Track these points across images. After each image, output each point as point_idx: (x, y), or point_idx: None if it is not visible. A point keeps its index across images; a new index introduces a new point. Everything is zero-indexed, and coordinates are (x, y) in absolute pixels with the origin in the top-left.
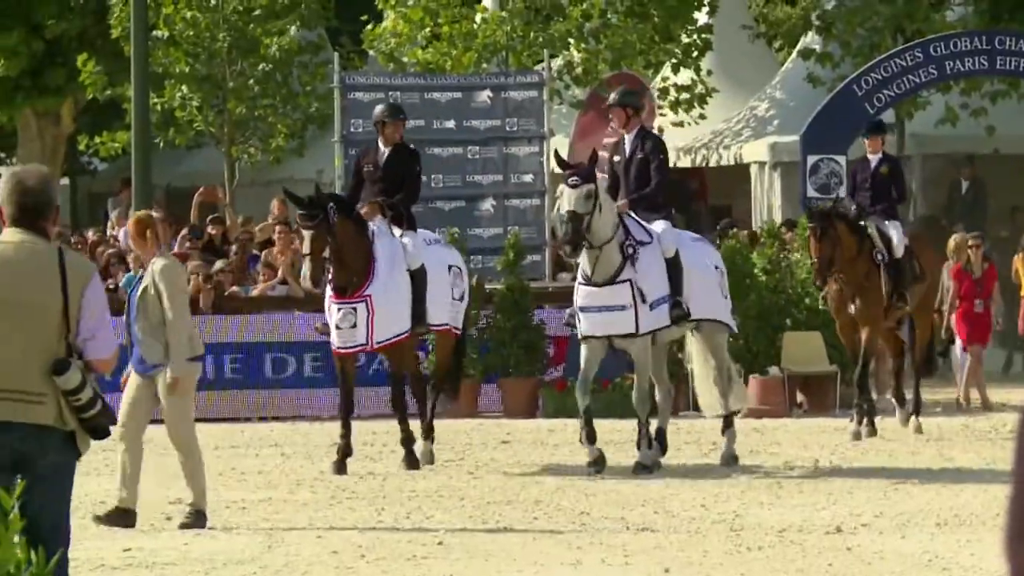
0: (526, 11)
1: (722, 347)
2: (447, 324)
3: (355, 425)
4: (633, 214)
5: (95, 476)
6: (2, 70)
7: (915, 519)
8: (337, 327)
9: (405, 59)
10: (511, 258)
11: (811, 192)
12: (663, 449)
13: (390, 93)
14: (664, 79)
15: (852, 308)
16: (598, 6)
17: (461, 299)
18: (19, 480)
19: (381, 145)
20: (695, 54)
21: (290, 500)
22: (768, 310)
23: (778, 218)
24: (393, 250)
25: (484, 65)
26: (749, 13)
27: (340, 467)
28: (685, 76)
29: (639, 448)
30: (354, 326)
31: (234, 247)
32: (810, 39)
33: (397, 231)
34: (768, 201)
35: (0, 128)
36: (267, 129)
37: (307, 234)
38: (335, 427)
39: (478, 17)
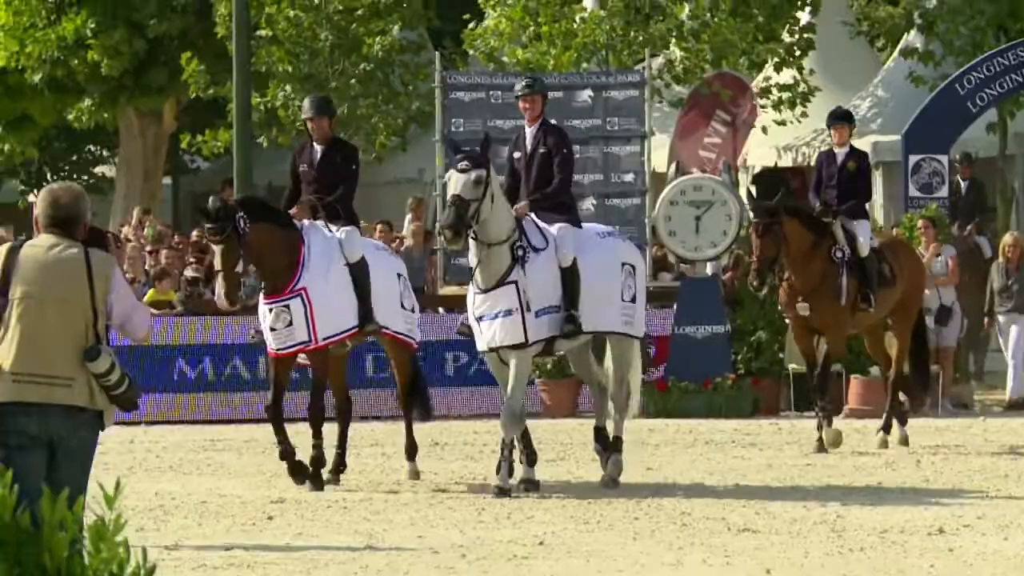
0: (626, 10)
1: (625, 358)
2: (400, 333)
3: (448, 424)
4: (534, 216)
5: (196, 475)
6: (105, 69)
7: (1017, 520)
8: (272, 329)
9: (505, 58)
10: None
11: (913, 191)
12: (607, 449)
13: (491, 92)
14: (766, 78)
15: (805, 310)
16: (702, 5)
17: (413, 310)
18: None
19: (314, 143)
20: (797, 53)
21: (391, 500)
22: None
23: (880, 218)
24: (326, 244)
25: (584, 64)
26: (851, 12)
27: (316, 481)
28: (787, 75)
29: (498, 471)
30: (290, 324)
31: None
32: (912, 38)
33: (334, 229)
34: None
35: (102, 127)
36: (369, 128)
37: (216, 249)
38: (438, 427)
39: (578, 16)
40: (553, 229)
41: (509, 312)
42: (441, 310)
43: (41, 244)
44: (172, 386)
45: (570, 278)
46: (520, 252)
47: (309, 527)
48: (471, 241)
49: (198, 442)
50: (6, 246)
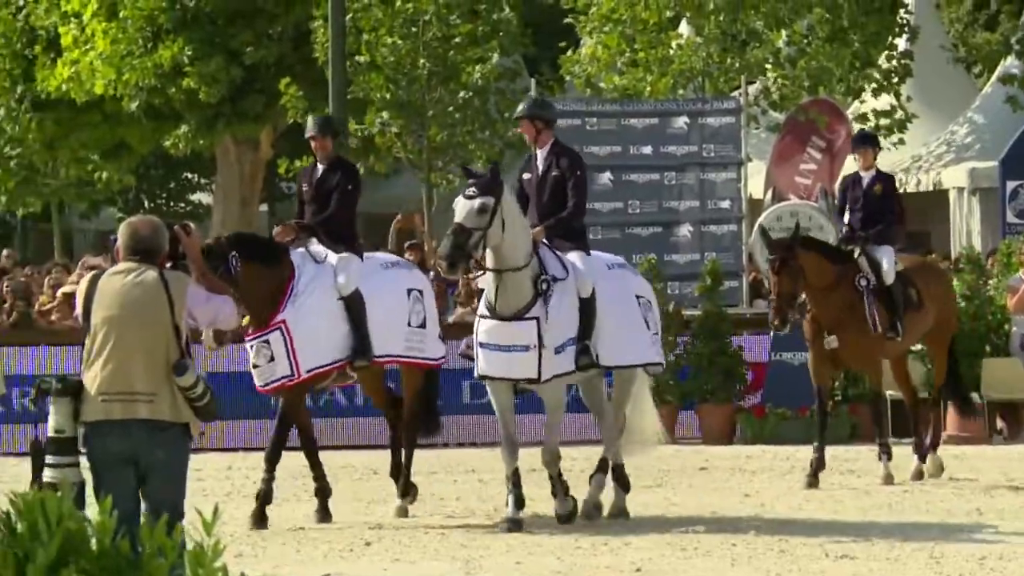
0: (723, 37)
1: (646, 385)
2: (403, 356)
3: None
4: (547, 243)
5: (293, 501)
6: (202, 97)
7: None
8: (255, 366)
9: (602, 85)
10: (708, 284)
11: (1011, 218)
12: (624, 487)
13: (586, 119)
14: (862, 103)
15: (832, 342)
16: (799, 31)
17: (422, 326)
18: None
19: (318, 163)
20: (895, 80)
21: (488, 526)
22: (968, 337)
23: (977, 244)
24: (317, 275)
25: (680, 91)
26: (948, 38)
27: (258, 519)
28: (884, 102)
29: (555, 497)
30: (272, 359)
31: (431, 273)
32: (1009, 64)
33: (333, 255)
34: (967, 227)
35: (199, 155)
36: (466, 155)
37: None
38: (536, 452)
39: (674, 43)
40: (571, 258)
41: (526, 348)
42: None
43: (120, 271)
44: (270, 413)
45: (587, 309)
46: (544, 286)
47: (406, 553)
48: (490, 272)
49: (295, 468)
50: (88, 275)
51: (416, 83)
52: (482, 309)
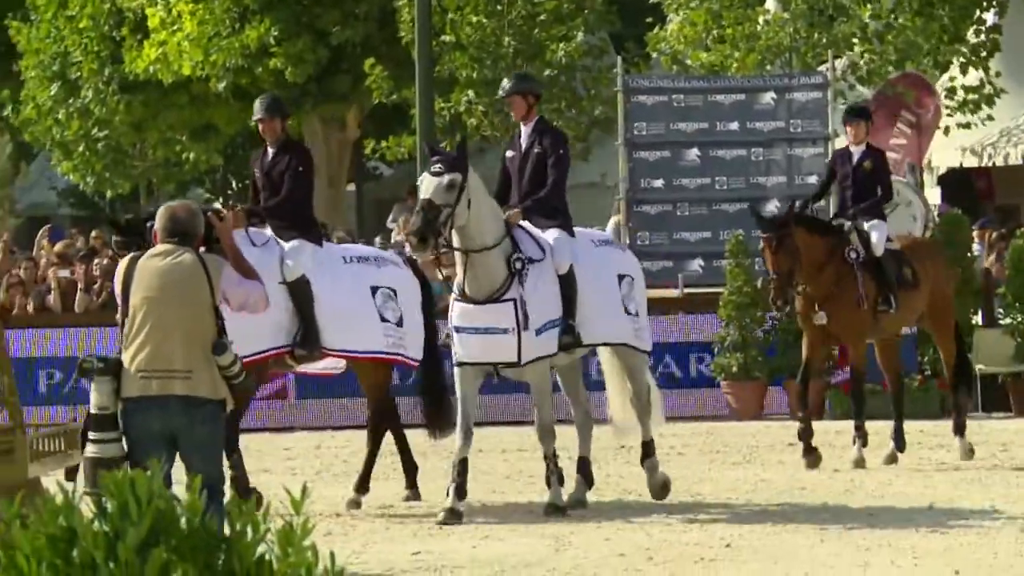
0: (809, 12)
1: (639, 369)
2: (369, 352)
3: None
4: (526, 224)
5: (382, 480)
6: (289, 77)
7: None
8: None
9: (689, 61)
10: None
11: None
12: (588, 482)
13: (673, 96)
14: (951, 79)
15: (820, 318)
16: (885, 6)
17: (400, 324)
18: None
19: (268, 147)
20: (983, 54)
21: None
22: None
23: None
24: (256, 259)
25: (767, 67)
26: None
27: None
28: (973, 77)
29: (549, 486)
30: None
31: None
32: None
33: (286, 242)
34: None
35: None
36: None
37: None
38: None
39: (761, 19)
40: (547, 236)
41: (505, 331)
42: None
43: (158, 253)
44: (358, 391)
45: (567, 286)
46: (519, 265)
47: (496, 531)
48: (458, 253)
49: (385, 447)
50: (127, 257)
51: (501, 61)
52: (455, 292)
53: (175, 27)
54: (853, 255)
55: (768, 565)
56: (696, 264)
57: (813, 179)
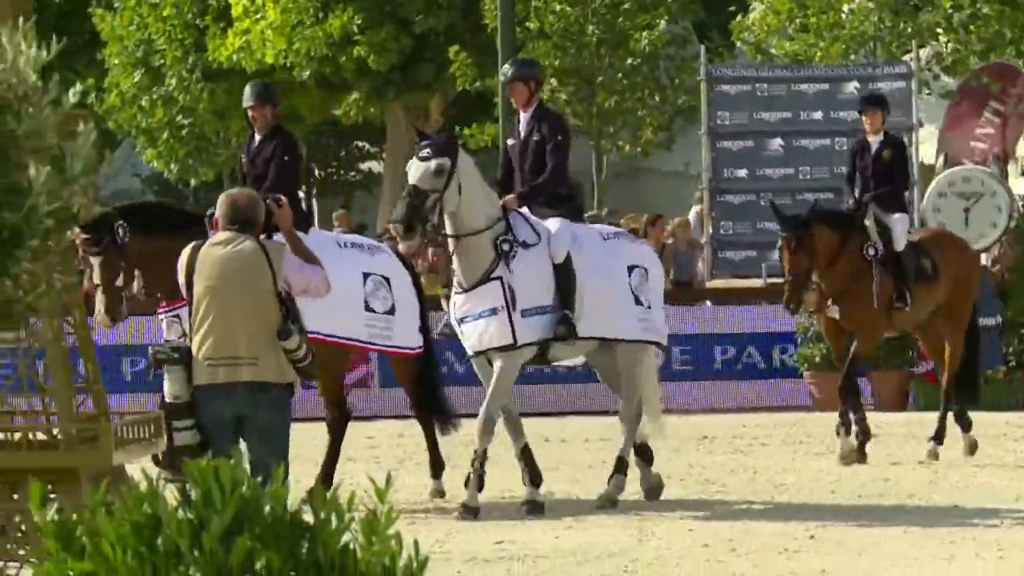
0: (894, 1)
1: (634, 369)
2: (366, 341)
3: (716, 417)
4: (524, 211)
5: (464, 469)
6: (372, 65)
7: None
8: (166, 341)
9: (773, 50)
10: None
11: None
12: (617, 470)
13: (756, 85)
14: None
15: (833, 311)
16: None
17: (391, 312)
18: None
19: (255, 134)
20: None
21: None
22: None
23: None
24: None
25: (852, 56)
26: None
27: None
28: None
29: (466, 486)
30: (184, 335)
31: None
32: None
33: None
34: None
35: (370, 123)
36: (635, 121)
37: (94, 262)
38: (709, 419)
39: (845, 8)
40: (547, 224)
41: (494, 311)
42: (709, 303)
43: (219, 241)
44: (448, 380)
45: (563, 276)
46: (506, 247)
47: (578, 521)
48: (449, 239)
49: (464, 436)
50: (190, 246)
51: (585, 49)
52: (455, 286)
53: (259, 15)
54: (872, 251)
55: (851, 557)
56: (779, 254)
57: None
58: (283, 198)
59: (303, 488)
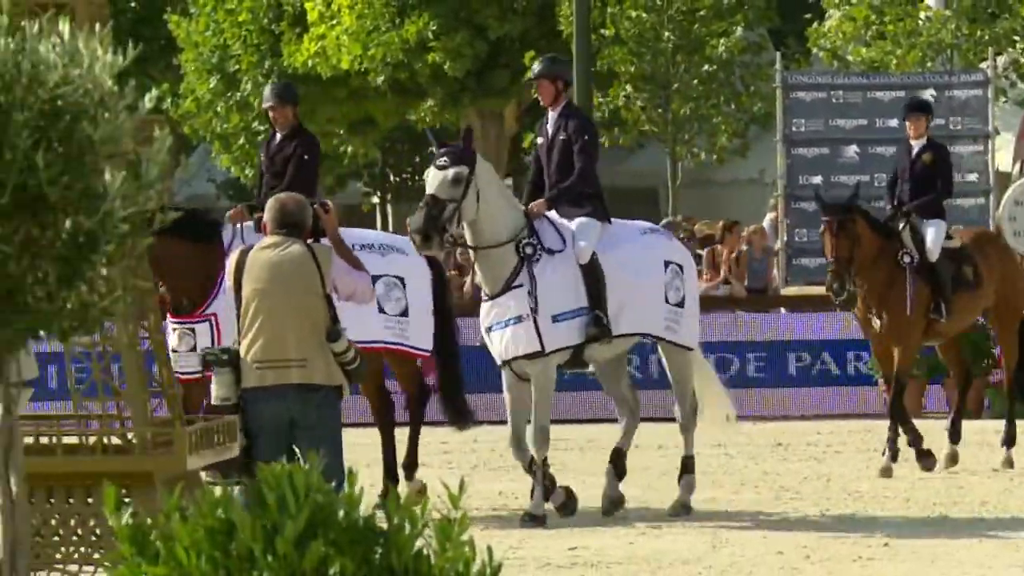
0: (971, 9)
1: (682, 367)
2: (390, 342)
3: (791, 425)
4: (551, 215)
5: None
6: (447, 71)
7: None
8: (174, 351)
9: (849, 57)
10: None
11: None
12: (619, 474)
13: (832, 92)
14: None
15: (878, 323)
16: None
17: (404, 314)
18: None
19: (276, 133)
20: None
21: (735, 500)
22: None
23: None
24: None
25: (928, 64)
26: None
27: None
28: None
29: (532, 496)
30: (193, 349)
31: None
32: None
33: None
34: None
35: (445, 129)
36: (710, 128)
37: None
38: (783, 426)
39: (922, 15)
40: (572, 224)
41: (519, 319)
42: (783, 310)
43: (268, 244)
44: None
45: (591, 276)
46: (529, 250)
47: (653, 527)
48: (471, 250)
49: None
50: (238, 250)
51: (661, 56)
52: (483, 294)
53: (334, 21)
54: (907, 259)
55: (925, 565)
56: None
57: (973, 177)
58: (329, 203)
59: (374, 493)
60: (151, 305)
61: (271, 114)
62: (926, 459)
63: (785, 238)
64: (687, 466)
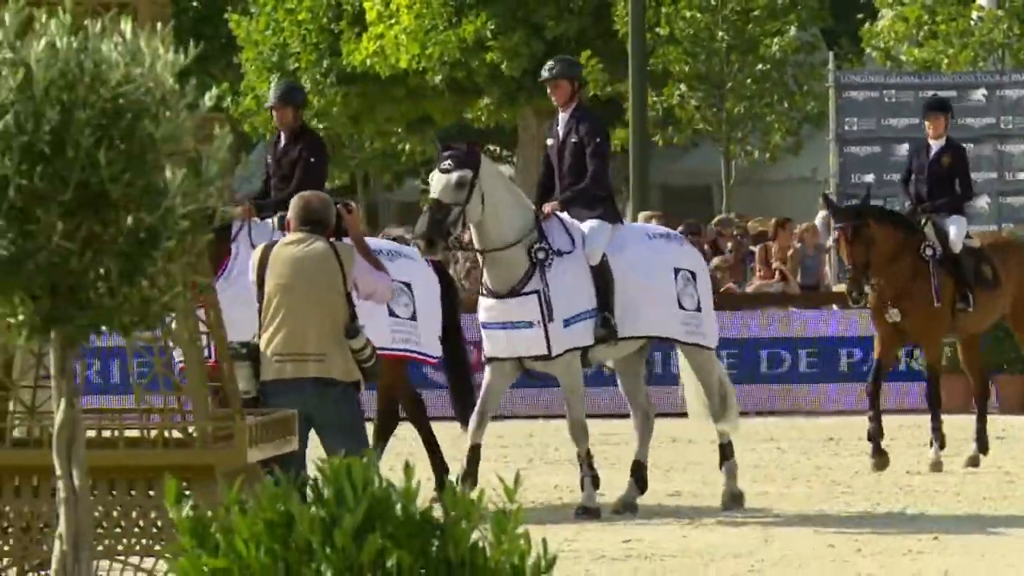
0: (1023, 8)
1: (705, 366)
2: (393, 348)
3: (845, 420)
4: (562, 216)
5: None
6: (504, 70)
7: None
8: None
9: (902, 57)
10: None
11: None
12: (641, 487)
13: (884, 92)
14: None
15: (894, 315)
16: None
17: (413, 318)
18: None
19: (281, 134)
20: None
21: (786, 494)
22: None
23: None
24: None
25: (980, 63)
26: None
27: None
28: None
29: (582, 488)
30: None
31: (729, 244)
32: None
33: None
34: None
35: (501, 127)
36: (764, 127)
37: None
38: (835, 422)
39: (974, 15)
40: (583, 226)
41: (529, 324)
42: (835, 306)
43: (291, 241)
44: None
45: (600, 278)
46: (541, 255)
47: (705, 521)
48: (478, 254)
49: (593, 436)
50: (261, 246)
51: (715, 56)
52: (482, 288)
53: (392, 20)
54: (929, 252)
55: (974, 559)
56: (836, 248)
57: (1023, 175)
58: (353, 204)
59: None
60: (211, 301)
61: (275, 115)
62: (880, 457)
63: (836, 235)
64: (725, 453)
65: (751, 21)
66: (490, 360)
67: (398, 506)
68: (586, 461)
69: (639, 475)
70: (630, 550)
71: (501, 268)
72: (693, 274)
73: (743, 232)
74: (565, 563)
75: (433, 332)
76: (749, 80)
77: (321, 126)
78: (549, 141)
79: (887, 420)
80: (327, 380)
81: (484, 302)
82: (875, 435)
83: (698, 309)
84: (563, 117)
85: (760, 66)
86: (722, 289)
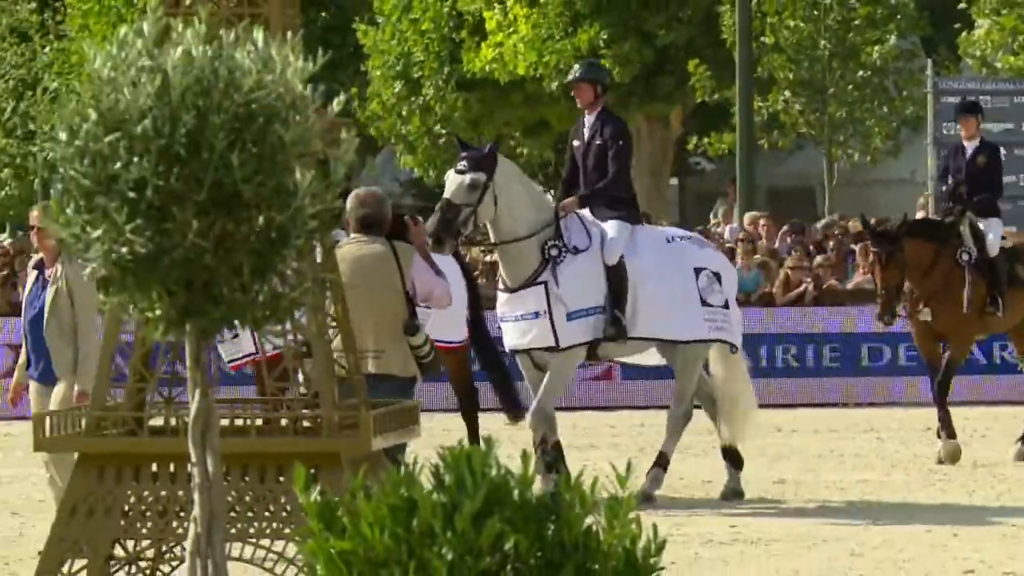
0: None
1: (689, 367)
2: None
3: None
4: (582, 213)
5: (702, 457)
6: (616, 77)
7: None
8: (219, 340)
9: (998, 64)
10: None
11: None
12: (736, 466)
13: (980, 97)
14: None
15: (925, 314)
16: None
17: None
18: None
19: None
20: None
21: (886, 481)
22: None
23: None
24: None
25: None
26: None
27: None
28: None
29: (547, 471)
30: (236, 335)
31: (831, 243)
32: None
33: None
34: None
35: None
36: (864, 131)
37: None
38: (933, 412)
39: None
40: (605, 226)
41: (536, 315)
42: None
43: (352, 242)
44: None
45: (616, 278)
46: (554, 252)
47: (808, 507)
48: (498, 247)
49: (699, 425)
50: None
51: (817, 63)
52: (500, 284)
53: (511, 30)
54: (965, 257)
55: None
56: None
57: None
58: (419, 218)
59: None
60: (338, 296)
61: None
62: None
63: None
64: (729, 458)
65: (852, 30)
66: (514, 353)
67: (516, 492)
68: (541, 446)
69: (730, 459)
70: (737, 534)
71: (513, 261)
72: (718, 274)
73: (844, 231)
74: (674, 547)
75: (458, 319)
76: (851, 86)
77: (443, 131)
78: (575, 142)
79: (982, 412)
80: (384, 376)
81: (500, 296)
82: (943, 427)
83: (725, 306)
84: (588, 120)
85: (861, 73)
86: (825, 286)
